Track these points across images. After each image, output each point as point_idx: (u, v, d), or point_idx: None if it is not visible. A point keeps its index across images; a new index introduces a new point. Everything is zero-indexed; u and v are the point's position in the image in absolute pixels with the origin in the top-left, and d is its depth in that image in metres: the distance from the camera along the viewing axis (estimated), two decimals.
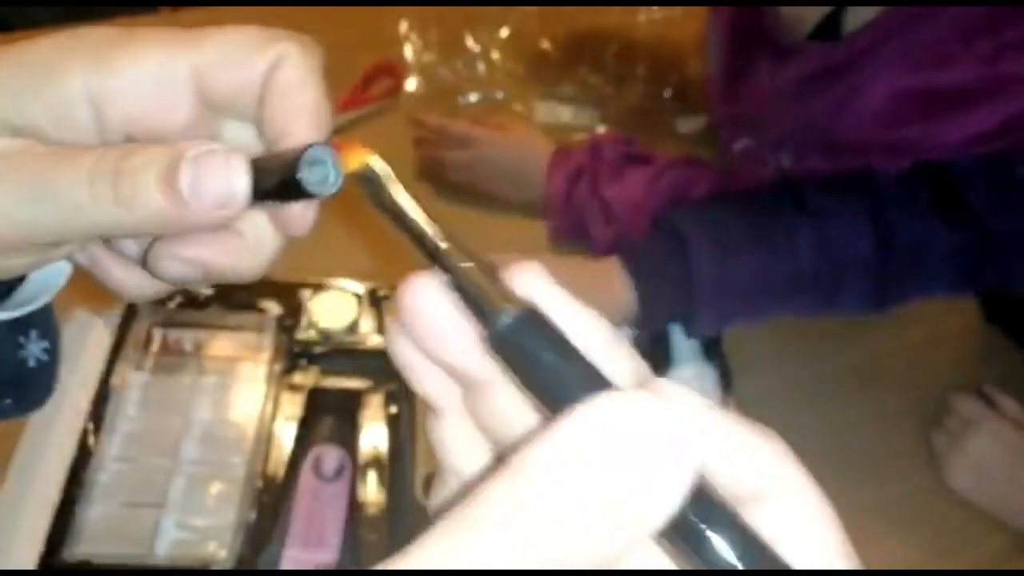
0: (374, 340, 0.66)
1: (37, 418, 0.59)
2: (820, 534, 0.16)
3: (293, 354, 0.64)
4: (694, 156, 0.81)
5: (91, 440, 0.57)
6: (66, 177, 0.22)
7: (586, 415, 0.14)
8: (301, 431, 0.60)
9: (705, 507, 0.15)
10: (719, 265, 0.61)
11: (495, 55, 0.93)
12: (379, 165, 0.21)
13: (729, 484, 0.16)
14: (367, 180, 0.21)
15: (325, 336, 0.65)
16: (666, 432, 0.14)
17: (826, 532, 0.17)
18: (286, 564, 0.54)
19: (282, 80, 0.24)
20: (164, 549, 0.54)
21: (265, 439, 0.60)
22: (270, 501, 0.57)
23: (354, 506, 0.57)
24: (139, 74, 0.23)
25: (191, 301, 0.66)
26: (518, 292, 0.18)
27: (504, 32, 0.96)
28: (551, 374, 0.16)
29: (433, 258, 0.19)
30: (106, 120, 0.23)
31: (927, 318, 0.78)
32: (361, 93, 0.91)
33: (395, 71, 0.92)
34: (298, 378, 0.64)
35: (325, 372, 0.65)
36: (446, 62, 0.92)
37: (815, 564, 0.16)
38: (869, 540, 0.69)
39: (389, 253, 0.78)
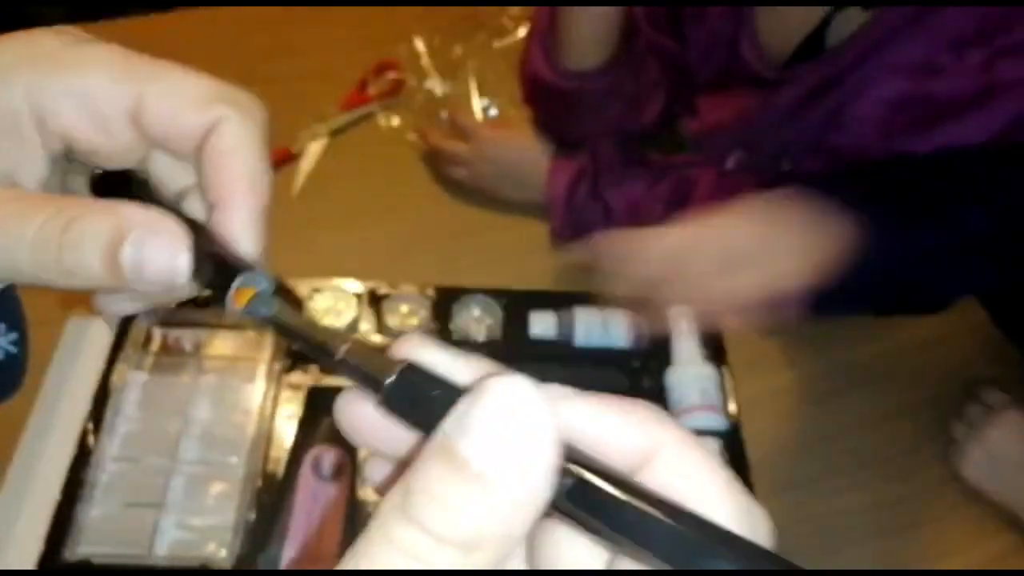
0: (374, 339, 0.66)
1: (37, 418, 0.59)
2: (707, 477, 0.17)
3: (292, 354, 0.64)
4: (693, 159, 0.81)
5: (91, 440, 0.57)
6: (11, 238, 0.22)
7: (459, 415, 0.16)
8: (300, 431, 0.60)
9: (596, 477, 0.17)
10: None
11: (491, 61, 0.93)
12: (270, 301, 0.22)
13: (619, 455, 0.18)
14: (263, 317, 0.22)
15: None
16: (528, 420, 0.16)
17: (712, 475, 0.17)
18: (286, 564, 0.54)
19: (220, 144, 0.24)
20: (164, 549, 0.54)
21: (265, 439, 0.60)
22: (269, 501, 0.57)
23: (353, 505, 0.57)
24: (79, 93, 0.23)
25: (191, 301, 0.66)
26: (400, 355, 0.19)
27: (505, 40, 0.96)
28: (438, 412, 0.17)
29: (330, 359, 0.21)
30: (46, 132, 0.23)
31: (930, 318, 0.78)
32: (361, 93, 0.91)
33: (395, 71, 0.92)
34: (297, 378, 0.63)
35: (324, 372, 0.65)
36: (445, 64, 0.92)
37: (710, 506, 0.17)
38: (870, 539, 0.69)
39: (389, 253, 0.78)
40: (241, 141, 0.24)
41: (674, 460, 0.18)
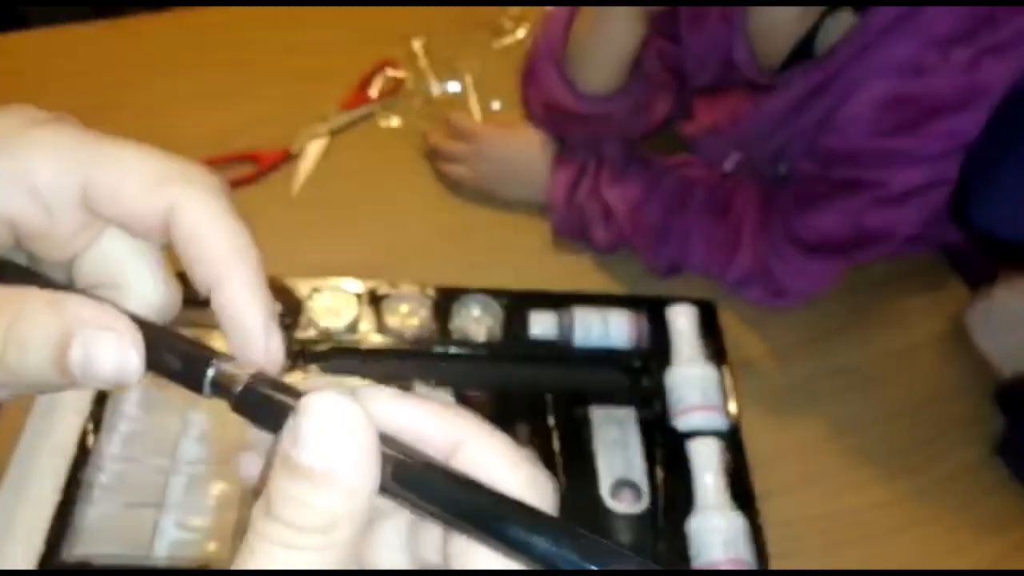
0: (373, 339, 0.66)
1: (37, 418, 0.59)
2: (500, 457, 0.22)
3: (293, 352, 0.64)
4: (693, 158, 0.81)
5: (91, 440, 0.57)
6: None
7: (291, 427, 0.20)
8: None
9: (410, 464, 0.21)
10: None
11: (490, 62, 0.94)
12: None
13: (436, 444, 0.22)
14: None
15: (325, 335, 0.66)
16: (345, 422, 0.20)
17: (503, 455, 0.22)
18: None
19: (186, 229, 0.23)
20: (163, 549, 0.54)
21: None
22: None
23: None
24: (23, 178, 0.23)
25: (192, 300, 0.66)
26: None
27: (505, 40, 0.96)
28: (281, 419, 0.20)
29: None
30: None
31: (929, 317, 0.78)
32: (361, 93, 0.91)
33: (395, 71, 0.92)
34: (297, 377, 0.63)
35: (325, 371, 0.65)
36: (445, 65, 0.93)
37: (501, 479, 0.21)
38: (870, 538, 0.69)
39: (389, 253, 0.78)
40: (207, 220, 0.23)
41: (476, 447, 0.22)
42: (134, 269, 0.25)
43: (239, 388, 0.22)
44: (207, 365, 0.22)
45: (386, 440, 0.20)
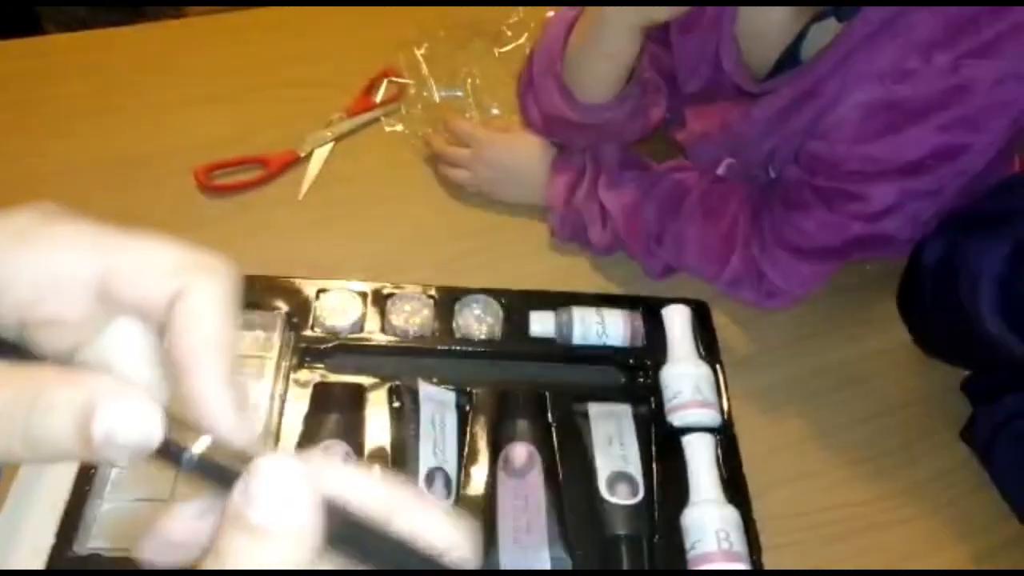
0: (379, 338, 0.67)
1: None
2: (436, 526, 0.24)
3: (300, 351, 0.66)
4: (687, 163, 0.81)
5: None
6: None
7: (242, 488, 0.22)
8: (307, 426, 0.61)
9: (352, 524, 0.23)
10: None
11: (492, 68, 0.95)
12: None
13: (377, 509, 0.24)
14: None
15: (331, 334, 0.67)
16: (290, 486, 0.22)
17: (439, 525, 0.24)
18: None
19: (184, 310, 0.24)
20: None
21: (272, 434, 0.61)
22: None
23: None
24: (44, 270, 0.24)
25: None
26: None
27: (505, 47, 0.97)
28: (231, 481, 0.22)
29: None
30: (7, 305, 0.25)
31: None
32: (366, 99, 0.93)
33: (399, 78, 0.93)
34: (305, 375, 0.65)
35: (331, 369, 0.66)
36: (447, 71, 0.94)
37: (438, 544, 0.24)
38: (862, 534, 0.70)
39: (393, 254, 0.79)
40: (206, 306, 0.24)
41: (410, 513, 0.24)
42: (131, 362, 0.26)
43: (194, 457, 0.23)
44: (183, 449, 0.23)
45: (330, 503, 0.22)
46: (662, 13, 0.64)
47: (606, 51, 0.69)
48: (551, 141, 0.82)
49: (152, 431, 0.22)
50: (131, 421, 0.22)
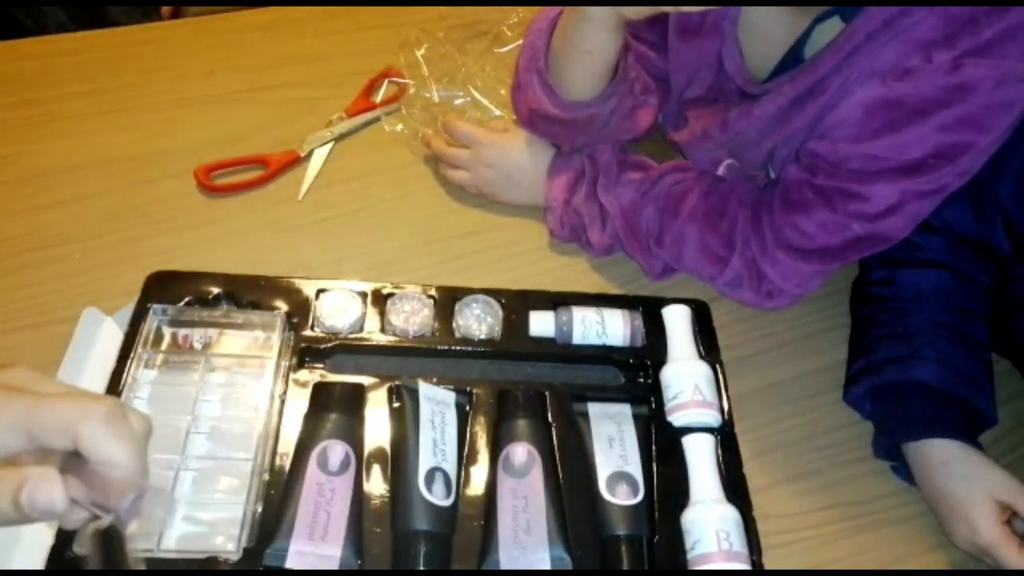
0: (379, 338, 0.67)
1: None
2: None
3: (300, 351, 0.66)
4: (687, 163, 0.81)
5: None
6: None
7: None
8: (307, 426, 0.61)
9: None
10: None
11: (491, 69, 0.95)
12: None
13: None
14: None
15: (331, 334, 0.67)
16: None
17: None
18: (292, 557, 0.55)
19: (83, 446, 0.36)
20: (172, 542, 0.55)
21: (272, 434, 0.61)
22: (277, 495, 0.58)
23: (359, 499, 0.59)
24: None
25: (201, 300, 0.67)
26: None
27: (504, 48, 0.97)
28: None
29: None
30: None
31: None
32: (365, 99, 0.93)
33: (399, 78, 0.93)
34: (305, 375, 0.65)
35: (331, 369, 0.66)
36: (446, 72, 0.94)
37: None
38: (862, 533, 0.70)
39: (393, 254, 0.79)
40: (93, 442, 0.36)
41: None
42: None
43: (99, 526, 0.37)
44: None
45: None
46: (631, 12, 0.64)
47: (586, 48, 0.69)
48: (551, 143, 0.82)
49: (57, 499, 0.35)
50: (41, 492, 0.35)
